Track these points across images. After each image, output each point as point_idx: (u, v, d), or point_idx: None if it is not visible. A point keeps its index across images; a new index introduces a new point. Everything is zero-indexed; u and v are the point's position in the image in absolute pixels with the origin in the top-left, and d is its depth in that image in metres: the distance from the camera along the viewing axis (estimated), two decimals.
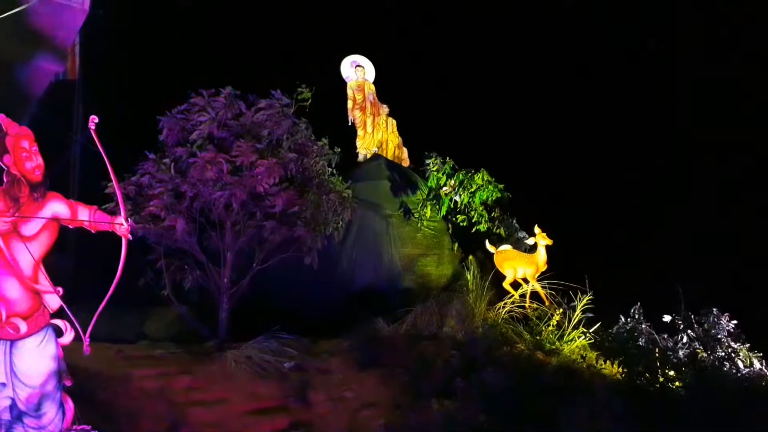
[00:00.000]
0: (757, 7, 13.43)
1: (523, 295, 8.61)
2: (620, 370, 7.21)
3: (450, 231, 10.29)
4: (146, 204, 7.09)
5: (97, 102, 9.32)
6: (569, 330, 7.92)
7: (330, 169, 8.41)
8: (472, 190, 10.23)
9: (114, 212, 4.64)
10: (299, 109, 7.87)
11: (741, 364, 7.23)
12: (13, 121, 3.77)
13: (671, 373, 7.11)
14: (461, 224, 10.22)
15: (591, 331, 7.95)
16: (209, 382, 6.21)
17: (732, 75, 14.10)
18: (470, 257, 9.13)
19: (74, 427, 4.02)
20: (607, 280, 8.69)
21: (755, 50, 13.90)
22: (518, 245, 9.35)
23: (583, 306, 8.08)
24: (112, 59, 11.14)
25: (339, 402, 6.36)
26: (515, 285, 8.79)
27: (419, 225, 10.15)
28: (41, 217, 3.78)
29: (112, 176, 4.14)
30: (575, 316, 8.02)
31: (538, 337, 7.82)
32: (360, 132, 11.57)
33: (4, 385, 3.73)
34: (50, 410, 3.85)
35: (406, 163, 11.70)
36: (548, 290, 8.61)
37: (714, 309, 7.71)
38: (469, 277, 8.67)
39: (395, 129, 11.76)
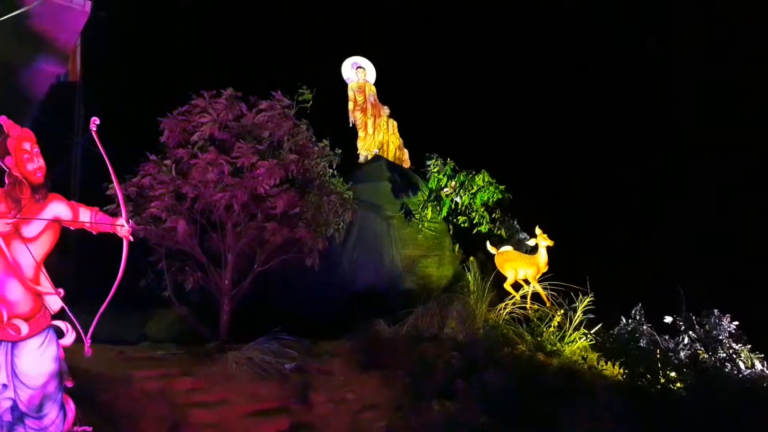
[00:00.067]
0: (757, 7, 13.45)
1: (524, 296, 8.61)
2: (621, 371, 7.20)
3: (451, 232, 10.29)
4: (147, 205, 7.09)
5: (98, 103, 9.32)
6: (570, 331, 7.91)
7: (331, 171, 8.40)
8: (473, 191, 10.23)
9: (115, 214, 4.64)
10: (300, 111, 7.86)
11: (742, 365, 7.23)
12: (14, 122, 3.77)
13: (672, 374, 7.11)
14: (462, 225, 10.21)
15: (592, 332, 7.94)
16: (210, 384, 6.20)
17: (732, 75, 14.12)
18: (471, 258, 9.14)
19: (75, 428, 4.01)
20: (607, 280, 8.70)
21: (755, 50, 13.93)
22: (519, 246, 9.35)
23: (584, 307, 8.08)
24: (113, 61, 11.15)
25: (340, 403, 6.36)
26: (516, 286, 8.78)
27: (420, 226, 10.15)
28: (42, 219, 3.77)
29: (113, 177, 4.13)
30: (576, 317, 8.02)
31: (539, 339, 7.82)
32: (361, 133, 11.57)
33: (5, 386, 3.73)
34: (51, 411, 3.85)
35: (407, 164, 11.70)
36: (549, 291, 8.61)
37: (715, 310, 7.71)
38: (470, 278, 8.67)
39: (396, 130, 11.76)
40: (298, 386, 6.42)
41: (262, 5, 14.90)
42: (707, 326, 7.62)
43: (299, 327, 7.21)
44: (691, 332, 7.60)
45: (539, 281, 8.70)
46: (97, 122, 3.91)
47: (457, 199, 10.30)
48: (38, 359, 3.78)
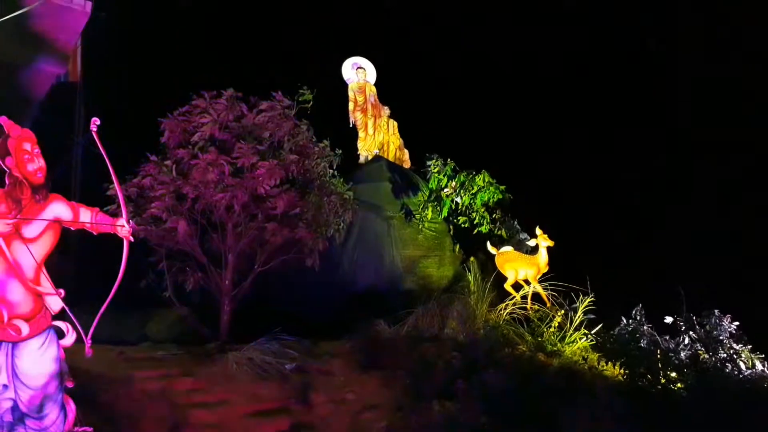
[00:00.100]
0: (757, 7, 13.46)
1: (524, 297, 8.61)
2: (622, 371, 7.20)
3: (451, 232, 10.28)
4: (148, 206, 7.09)
5: (98, 104, 9.30)
6: (571, 331, 7.91)
7: (331, 171, 8.40)
8: (474, 191, 10.22)
9: (116, 214, 4.64)
10: (300, 111, 7.86)
11: (743, 366, 7.23)
12: (15, 123, 3.77)
13: (673, 374, 7.11)
14: (462, 226, 10.21)
15: (592, 332, 7.94)
16: (211, 384, 6.20)
17: (732, 75, 14.13)
18: (471, 259, 9.13)
19: (76, 428, 4.01)
20: (608, 281, 8.71)
21: (755, 50, 13.94)
22: (519, 247, 9.35)
23: (584, 307, 8.08)
24: (113, 61, 11.15)
25: (340, 404, 6.36)
26: (517, 286, 8.78)
27: (420, 226, 10.15)
28: (43, 219, 3.77)
29: (113, 178, 4.13)
30: (577, 317, 8.02)
31: (539, 339, 7.81)
32: (361, 134, 11.57)
33: (6, 386, 3.73)
34: (52, 412, 3.85)
35: (407, 164, 11.70)
36: (549, 291, 8.61)
37: (716, 310, 7.71)
38: (470, 278, 8.67)
39: (396, 131, 11.76)
40: (298, 387, 6.42)
41: (263, 6, 14.93)
42: (708, 327, 7.62)
43: (299, 327, 7.21)
44: (691, 333, 7.59)
45: (540, 281, 8.70)
46: (98, 123, 3.91)
47: (458, 199, 10.30)
48: (39, 360, 3.78)
